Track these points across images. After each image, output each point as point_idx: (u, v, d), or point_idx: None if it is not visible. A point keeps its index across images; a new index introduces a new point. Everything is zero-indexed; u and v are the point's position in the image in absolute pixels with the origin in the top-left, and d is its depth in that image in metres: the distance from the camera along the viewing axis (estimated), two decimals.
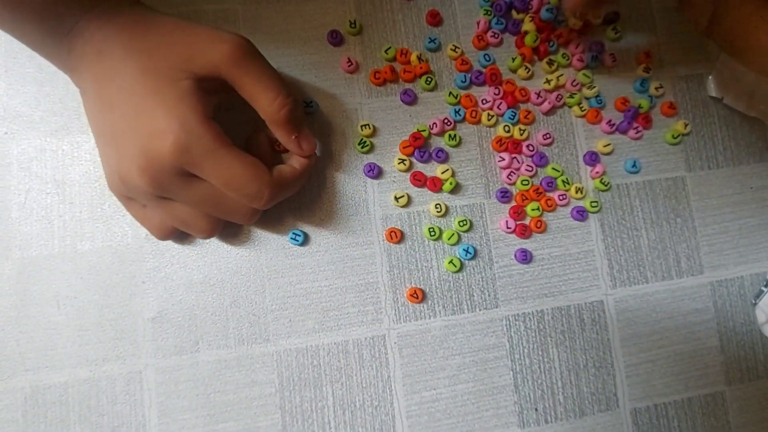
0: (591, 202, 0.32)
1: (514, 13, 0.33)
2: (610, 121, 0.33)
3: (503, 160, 0.31)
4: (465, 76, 0.32)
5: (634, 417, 0.31)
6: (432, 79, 0.32)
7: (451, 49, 0.32)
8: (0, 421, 0.27)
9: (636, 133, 0.33)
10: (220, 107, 0.26)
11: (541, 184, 0.32)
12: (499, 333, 0.31)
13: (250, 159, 0.24)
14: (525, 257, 0.31)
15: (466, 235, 0.31)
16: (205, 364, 0.29)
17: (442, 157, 0.31)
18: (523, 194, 0.31)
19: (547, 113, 0.33)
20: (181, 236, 0.29)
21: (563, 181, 0.32)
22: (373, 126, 0.31)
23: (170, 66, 0.23)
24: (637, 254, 0.32)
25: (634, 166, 0.32)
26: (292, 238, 0.30)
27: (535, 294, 0.31)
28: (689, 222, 0.33)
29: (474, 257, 0.31)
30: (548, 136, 0.32)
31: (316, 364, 0.29)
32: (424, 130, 0.31)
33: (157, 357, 0.29)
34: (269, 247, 0.30)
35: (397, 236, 0.30)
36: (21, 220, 0.29)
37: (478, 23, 0.32)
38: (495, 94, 0.32)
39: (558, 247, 0.32)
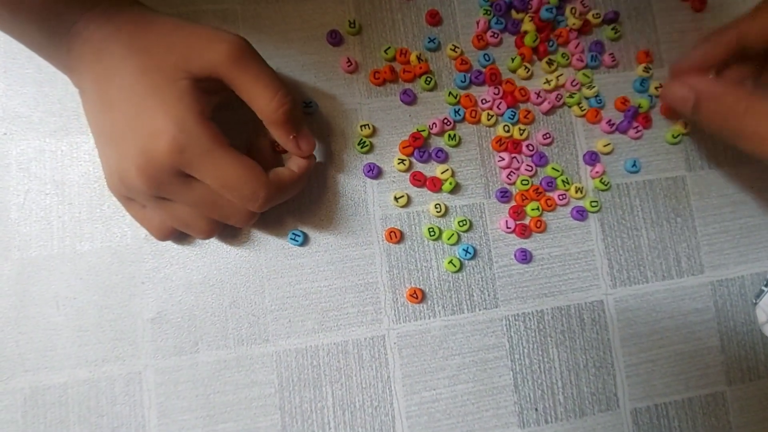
0: (591, 201, 0.32)
1: (513, 12, 0.33)
2: (609, 120, 0.33)
3: (503, 159, 0.31)
4: (464, 75, 0.32)
5: (635, 417, 0.31)
6: (431, 79, 0.31)
7: (451, 49, 0.32)
8: (0, 422, 0.27)
9: (636, 132, 0.33)
10: (220, 107, 0.26)
11: (540, 183, 0.32)
12: (498, 333, 0.31)
13: (246, 160, 0.24)
14: (525, 257, 0.31)
15: (465, 235, 0.31)
16: (205, 364, 0.29)
17: (442, 157, 0.31)
18: (522, 194, 0.31)
19: (547, 113, 0.33)
20: (180, 237, 0.29)
21: (563, 181, 0.32)
22: (373, 126, 0.31)
23: (169, 65, 0.23)
24: (637, 254, 0.32)
25: (634, 165, 0.32)
26: (291, 239, 0.30)
27: (534, 294, 0.31)
28: (689, 221, 0.33)
29: (474, 257, 0.31)
30: (548, 135, 0.32)
31: (316, 365, 0.29)
32: (424, 130, 0.31)
33: (157, 358, 0.29)
34: (269, 247, 0.30)
35: (396, 236, 0.30)
36: (20, 221, 0.29)
37: (477, 23, 0.32)
38: (495, 93, 0.32)
39: (558, 247, 0.32)
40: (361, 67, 0.32)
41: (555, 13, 0.32)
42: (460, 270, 0.31)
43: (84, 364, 0.28)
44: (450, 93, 0.32)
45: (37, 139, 0.30)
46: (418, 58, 0.31)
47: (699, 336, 0.32)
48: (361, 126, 0.31)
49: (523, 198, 0.31)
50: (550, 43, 0.33)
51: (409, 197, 0.31)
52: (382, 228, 0.31)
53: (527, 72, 0.32)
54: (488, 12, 0.32)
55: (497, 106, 0.32)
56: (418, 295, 0.30)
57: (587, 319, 0.31)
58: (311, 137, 0.27)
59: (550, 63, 0.32)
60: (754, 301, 0.33)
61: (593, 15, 0.33)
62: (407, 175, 0.31)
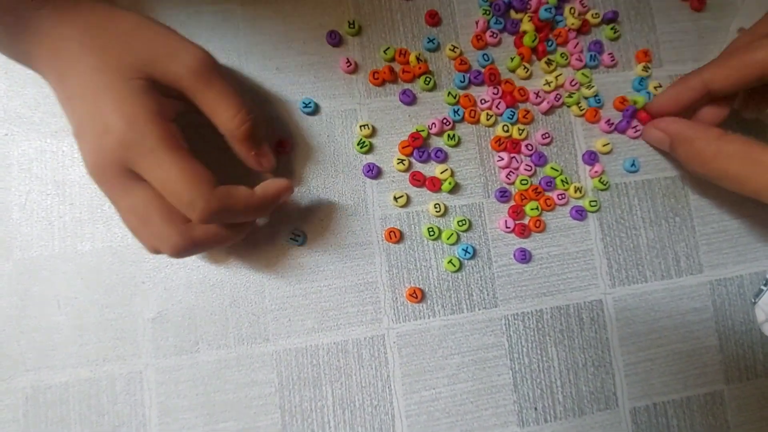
0: (590, 201, 0.32)
1: (512, 12, 0.33)
2: (608, 120, 0.33)
3: (502, 159, 0.31)
4: (464, 76, 0.32)
5: (633, 416, 0.31)
6: (431, 79, 0.32)
7: (450, 49, 0.32)
8: (1, 421, 0.28)
9: (635, 132, 0.33)
10: (182, 112, 0.26)
11: (540, 183, 0.32)
12: (498, 332, 0.31)
13: (195, 168, 0.23)
14: (524, 257, 0.31)
15: (465, 234, 0.31)
16: (205, 363, 0.29)
17: (441, 157, 0.31)
18: (522, 194, 0.32)
19: (546, 113, 0.33)
20: None
21: (562, 181, 0.32)
22: (372, 126, 0.31)
23: (125, 65, 0.23)
24: (636, 253, 0.32)
25: (633, 165, 0.32)
26: (291, 239, 0.30)
27: (534, 293, 0.31)
28: (688, 221, 0.33)
29: (473, 257, 0.31)
30: (547, 135, 0.32)
31: (316, 364, 0.30)
32: (423, 130, 0.31)
33: (158, 357, 0.29)
34: (269, 247, 0.30)
35: (396, 236, 0.30)
36: (21, 221, 0.29)
37: (476, 23, 0.32)
38: (494, 93, 0.32)
39: (557, 247, 0.32)
40: (360, 67, 0.32)
41: (554, 12, 0.32)
42: (459, 269, 0.31)
43: (85, 363, 0.28)
44: (449, 93, 0.32)
45: (39, 140, 0.30)
46: (418, 58, 0.32)
47: (697, 335, 0.32)
48: (360, 126, 0.31)
49: (523, 198, 0.32)
50: (549, 43, 0.33)
51: (408, 197, 0.31)
52: (381, 228, 0.31)
53: (526, 72, 0.32)
54: (487, 12, 0.32)
55: (496, 106, 0.32)
56: (418, 295, 0.30)
57: (586, 319, 0.32)
58: (271, 155, 0.27)
59: (549, 63, 0.32)
60: (753, 300, 0.33)
61: (592, 15, 0.33)
62: (407, 175, 0.31)
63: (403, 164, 0.31)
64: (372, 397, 0.30)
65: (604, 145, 0.32)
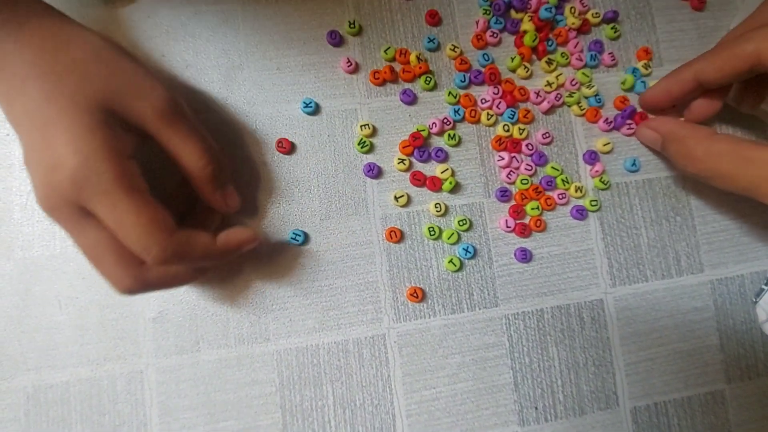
0: (590, 200, 0.32)
1: (512, 12, 0.33)
2: (607, 119, 0.33)
3: (503, 159, 0.31)
4: (464, 75, 0.32)
5: (634, 415, 0.31)
6: (431, 78, 0.32)
7: (450, 49, 0.32)
8: (2, 420, 0.28)
9: (628, 129, 0.33)
10: (140, 147, 0.24)
11: (540, 183, 0.32)
12: (498, 332, 0.31)
13: (151, 212, 0.22)
14: (525, 256, 0.31)
15: (465, 234, 0.31)
16: (206, 363, 0.29)
17: (442, 156, 0.31)
18: (522, 193, 0.32)
19: (547, 112, 0.33)
20: None
21: (563, 180, 0.32)
22: (373, 126, 0.31)
23: (83, 95, 0.21)
24: (636, 253, 0.32)
25: (633, 164, 0.32)
26: (292, 238, 0.30)
27: (534, 293, 0.31)
28: (689, 220, 0.33)
29: (474, 256, 0.31)
30: (547, 135, 0.32)
31: (316, 363, 0.30)
32: (424, 130, 0.31)
33: (158, 356, 0.29)
34: (269, 246, 0.30)
35: (396, 236, 0.30)
36: (23, 221, 0.29)
37: (477, 23, 0.32)
38: (494, 93, 0.32)
39: (557, 246, 0.32)
40: (361, 67, 0.32)
41: (554, 12, 0.32)
42: (460, 269, 0.31)
43: (86, 362, 0.28)
44: (450, 93, 0.32)
45: None
46: (418, 58, 0.32)
47: (698, 334, 0.32)
48: (361, 126, 0.31)
49: (523, 197, 0.32)
50: (550, 43, 0.33)
51: (409, 197, 0.31)
52: (382, 227, 0.31)
53: (527, 71, 0.32)
54: (487, 12, 0.32)
55: (497, 106, 0.32)
56: (418, 294, 0.30)
57: (587, 318, 0.32)
58: (236, 195, 0.27)
59: (549, 62, 0.32)
60: (754, 299, 0.33)
61: (592, 14, 0.33)
62: (407, 175, 0.31)
63: (404, 164, 0.31)
64: (373, 396, 0.30)
65: (604, 145, 0.32)
